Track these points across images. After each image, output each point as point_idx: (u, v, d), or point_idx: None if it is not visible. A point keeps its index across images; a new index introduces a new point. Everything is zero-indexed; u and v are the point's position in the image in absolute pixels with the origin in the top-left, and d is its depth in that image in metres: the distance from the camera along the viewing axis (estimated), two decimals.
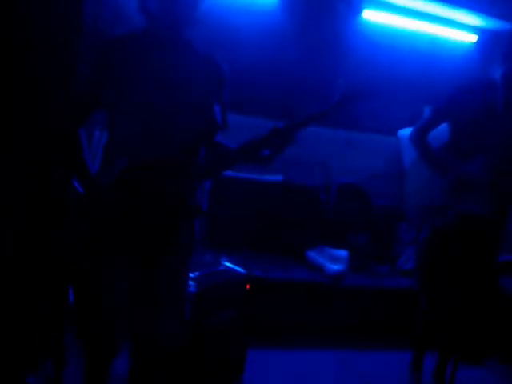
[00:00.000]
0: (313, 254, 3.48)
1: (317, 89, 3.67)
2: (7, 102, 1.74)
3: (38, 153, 1.76)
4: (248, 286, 2.61)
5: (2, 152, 1.73)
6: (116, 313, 1.89)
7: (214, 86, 1.90)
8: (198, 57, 1.89)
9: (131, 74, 1.79)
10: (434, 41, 4.25)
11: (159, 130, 1.79)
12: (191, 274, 2.44)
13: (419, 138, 2.67)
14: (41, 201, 1.74)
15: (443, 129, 2.62)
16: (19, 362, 1.96)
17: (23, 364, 1.98)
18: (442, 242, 2.63)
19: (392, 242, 3.84)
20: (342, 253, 3.47)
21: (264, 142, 1.83)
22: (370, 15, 4.05)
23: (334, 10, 3.97)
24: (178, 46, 1.85)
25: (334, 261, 3.39)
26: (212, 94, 1.89)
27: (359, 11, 4.02)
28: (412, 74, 4.12)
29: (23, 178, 1.73)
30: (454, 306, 2.62)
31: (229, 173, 3.53)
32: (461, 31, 4.28)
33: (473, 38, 4.31)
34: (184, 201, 1.81)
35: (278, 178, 3.70)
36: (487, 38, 4.22)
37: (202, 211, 1.95)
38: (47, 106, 1.82)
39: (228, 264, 2.70)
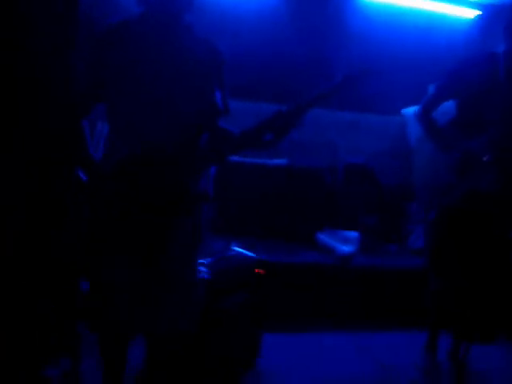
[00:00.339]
0: (323, 237, 3.46)
1: (318, 70, 3.66)
2: (7, 101, 1.72)
3: (38, 152, 1.75)
4: (261, 271, 2.60)
5: (2, 152, 1.71)
6: (123, 303, 1.88)
7: (214, 71, 1.89)
8: (197, 42, 1.87)
9: (130, 63, 1.77)
10: (433, 17, 4.20)
11: (160, 117, 1.77)
12: (203, 260, 2.43)
13: (424, 116, 2.64)
14: (41, 201, 1.73)
15: (451, 105, 2.59)
16: (36, 356, 1.96)
17: (40, 358, 1.98)
18: (449, 222, 2.60)
19: (402, 222, 3.82)
20: (353, 234, 3.45)
21: (267, 126, 1.82)
22: None
23: None
24: (176, 32, 1.83)
25: (344, 242, 3.37)
26: (212, 79, 1.87)
27: None
28: (414, 52, 4.08)
29: (23, 178, 1.71)
30: (461, 286, 2.60)
31: (234, 158, 3.51)
32: (461, 7, 4.23)
33: (473, 13, 4.27)
34: (186, 187, 1.79)
35: (284, 161, 3.68)
36: (489, 13, 4.18)
37: (206, 198, 1.93)
38: (48, 103, 1.79)
39: (238, 249, 2.69)
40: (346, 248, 3.32)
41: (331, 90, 1.81)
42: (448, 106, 2.59)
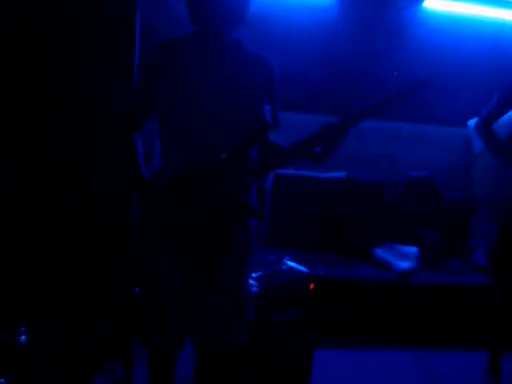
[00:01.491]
0: (380, 252, 3.38)
1: (377, 83, 3.60)
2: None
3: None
4: (312, 286, 2.58)
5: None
6: (174, 316, 1.91)
7: (264, 85, 1.90)
8: (247, 57, 1.88)
9: (182, 78, 1.81)
10: (501, 26, 4.05)
11: (209, 130, 1.80)
12: (254, 274, 2.44)
13: (484, 128, 2.56)
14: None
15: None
16: (86, 363, 2.03)
17: (90, 366, 2.05)
18: None
19: (465, 237, 3.69)
20: (412, 249, 3.36)
21: (316, 139, 1.81)
22: (432, 4, 3.91)
23: (394, 1, 3.86)
24: (227, 48, 1.85)
25: (403, 258, 3.29)
26: (262, 93, 1.88)
27: (420, 0, 3.89)
28: (481, 62, 3.94)
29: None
30: None
31: (291, 171, 3.52)
32: None
33: None
34: (237, 200, 1.80)
35: (342, 174, 3.64)
36: None
37: (255, 211, 1.93)
38: (105, 112, 1.87)
39: (291, 263, 2.68)
40: (405, 264, 3.23)
41: (382, 101, 1.79)
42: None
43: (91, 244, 1.95)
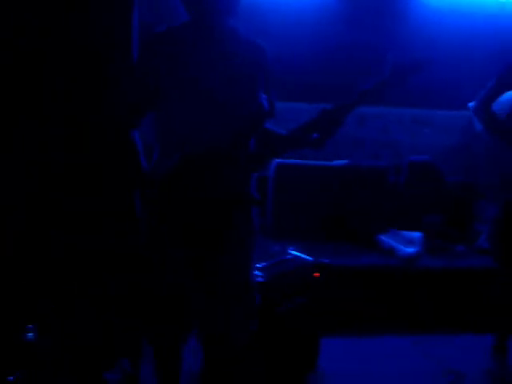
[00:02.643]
0: (384, 238, 3.39)
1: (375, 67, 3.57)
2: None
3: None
4: (317, 274, 2.59)
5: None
6: (178, 305, 1.92)
7: (261, 72, 1.90)
8: (242, 44, 1.88)
9: (178, 69, 1.80)
10: (501, 5, 4.00)
11: (210, 119, 1.79)
12: (259, 265, 2.45)
13: (483, 109, 2.55)
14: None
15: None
16: (97, 359, 2.05)
17: (101, 361, 2.07)
18: None
19: (469, 221, 3.68)
20: (416, 234, 3.37)
21: (314, 125, 1.81)
22: None
23: None
24: (222, 35, 1.84)
25: (407, 243, 3.30)
26: (258, 81, 1.88)
27: None
28: (482, 42, 3.90)
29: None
30: None
31: (293, 160, 3.52)
32: None
33: None
34: (239, 190, 1.81)
35: (345, 161, 3.64)
36: None
37: (257, 200, 1.93)
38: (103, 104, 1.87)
39: (295, 252, 2.69)
40: (409, 249, 3.24)
41: (378, 85, 1.78)
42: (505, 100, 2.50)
43: (92, 244, 1.96)
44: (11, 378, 1.86)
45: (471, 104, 3.90)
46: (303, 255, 2.66)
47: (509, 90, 2.52)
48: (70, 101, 1.93)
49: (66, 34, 1.94)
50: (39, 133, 1.92)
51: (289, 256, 2.66)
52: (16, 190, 1.87)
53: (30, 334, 1.89)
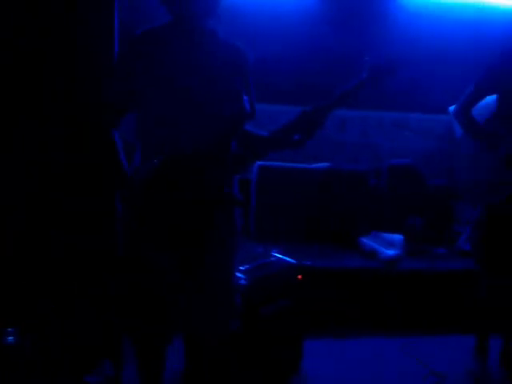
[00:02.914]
0: (366, 240, 3.41)
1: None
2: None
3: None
4: (300, 277, 2.59)
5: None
6: (160, 305, 1.91)
7: (241, 74, 1.90)
8: (221, 46, 1.89)
9: (158, 70, 1.79)
10: (481, 10, 4.06)
11: (190, 120, 1.79)
12: (241, 267, 2.44)
13: (463, 114, 2.58)
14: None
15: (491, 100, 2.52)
16: (77, 362, 2.02)
17: (82, 364, 2.04)
18: (496, 221, 2.53)
19: (450, 223, 3.72)
20: (397, 237, 3.38)
21: (294, 126, 1.83)
22: None
23: None
24: (202, 37, 1.85)
25: (388, 246, 3.31)
26: (239, 82, 1.88)
27: None
28: (462, 48, 3.94)
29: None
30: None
31: (275, 163, 3.52)
32: None
33: None
34: (221, 191, 1.80)
35: (326, 164, 3.65)
36: None
37: (241, 201, 1.93)
38: (81, 108, 1.85)
39: (278, 255, 2.69)
40: (390, 252, 3.26)
41: (356, 86, 1.80)
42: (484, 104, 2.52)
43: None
44: None
45: (451, 108, 3.97)
46: (286, 257, 2.66)
47: (488, 95, 2.55)
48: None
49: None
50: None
51: (272, 258, 2.66)
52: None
53: (9, 338, 1.86)
